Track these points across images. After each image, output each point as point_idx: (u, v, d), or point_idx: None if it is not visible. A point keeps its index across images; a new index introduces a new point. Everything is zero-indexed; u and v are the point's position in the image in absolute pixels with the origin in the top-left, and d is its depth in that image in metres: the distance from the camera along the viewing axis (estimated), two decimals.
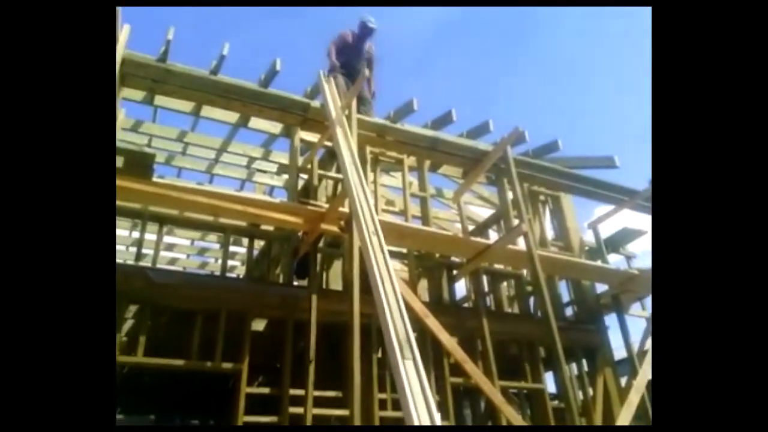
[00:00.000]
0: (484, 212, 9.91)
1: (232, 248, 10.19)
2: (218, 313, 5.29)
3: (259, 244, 9.23)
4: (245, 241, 7.66)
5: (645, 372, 6.11)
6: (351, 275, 4.92)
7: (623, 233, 7.81)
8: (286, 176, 9.03)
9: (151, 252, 6.84)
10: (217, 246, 11.82)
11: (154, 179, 5.00)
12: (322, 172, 6.90)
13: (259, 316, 5.62)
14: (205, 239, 11.86)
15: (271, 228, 6.71)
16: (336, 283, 6.41)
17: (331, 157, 7.12)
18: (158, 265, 6.73)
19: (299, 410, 4.97)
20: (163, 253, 11.50)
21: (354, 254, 4.98)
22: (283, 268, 7.13)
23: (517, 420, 4.98)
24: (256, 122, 8.24)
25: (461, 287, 8.39)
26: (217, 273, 8.51)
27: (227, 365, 5.08)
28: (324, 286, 6.37)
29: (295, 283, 6.31)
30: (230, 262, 10.90)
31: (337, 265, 6.57)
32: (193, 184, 7.81)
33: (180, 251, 12.40)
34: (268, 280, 7.14)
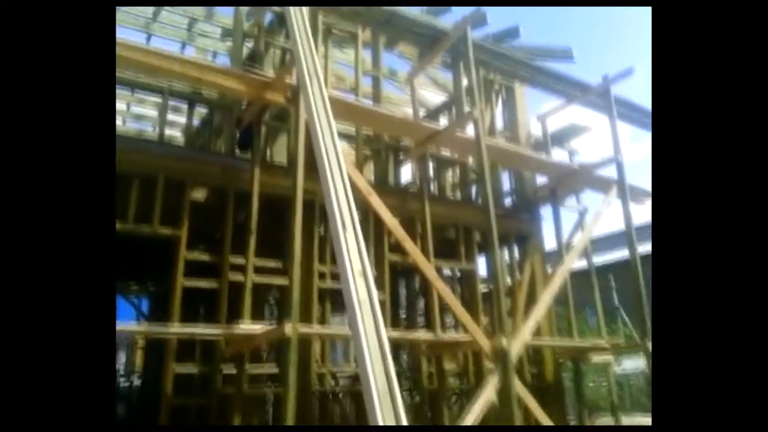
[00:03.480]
0: (437, 100, 9.75)
1: (171, 117, 9.69)
2: (156, 178, 5.11)
3: (200, 113, 8.81)
4: (186, 110, 7.26)
5: (569, 260, 6.53)
6: (296, 150, 4.80)
7: (569, 129, 7.95)
8: (230, 42, 8.42)
9: None
10: (154, 113, 11.19)
11: None
12: (269, 39, 6.46)
13: (199, 184, 5.47)
14: (143, 105, 11.19)
15: (213, 94, 6.36)
16: (280, 157, 6.27)
17: (281, 23, 6.63)
18: None
19: (239, 277, 5.06)
20: None
21: (300, 128, 4.83)
22: (225, 139, 6.88)
23: (448, 295, 5.27)
24: None
25: (407, 174, 8.45)
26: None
27: (165, 230, 5.01)
28: (268, 160, 6.22)
29: (238, 154, 6.14)
30: (170, 132, 10.40)
31: (282, 139, 6.38)
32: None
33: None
34: (210, 149, 6.90)
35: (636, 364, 13.32)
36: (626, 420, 9.27)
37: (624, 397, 13.35)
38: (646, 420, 9.78)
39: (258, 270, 5.19)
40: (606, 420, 10.75)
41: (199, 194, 5.59)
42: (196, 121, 8.46)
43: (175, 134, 10.96)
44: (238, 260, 5.11)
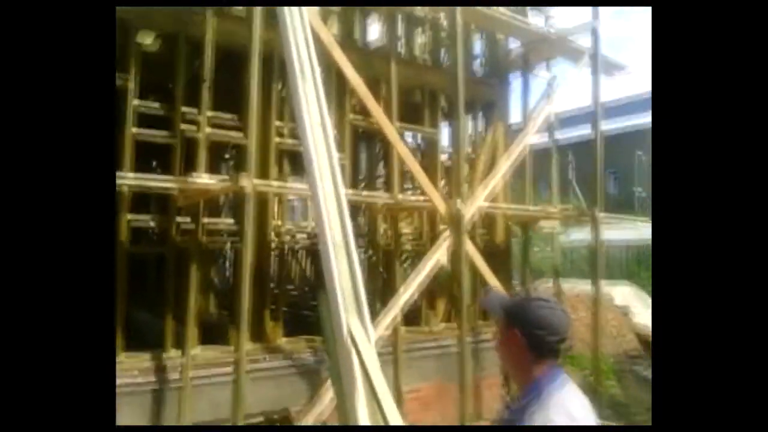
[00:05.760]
0: None
1: None
2: None
3: None
4: None
5: (531, 128, 6.52)
6: None
7: None
8: None
9: None
10: None
11: None
12: None
13: (147, 27, 5.00)
14: None
15: None
16: None
17: None
18: None
19: (193, 128, 4.85)
20: None
21: None
22: None
23: (409, 157, 5.25)
24: None
25: (375, 34, 7.92)
26: None
27: None
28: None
29: None
30: None
31: None
32: None
33: None
34: None
35: (583, 235, 14.10)
36: (565, 284, 10.00)
37: (566, 264, 14.33)
38: (582, 285, 10.57)
39: (214, 125, 4.97)
40: (547, 284, 11.60)
41: (147, 39, 5.14)
42: None
43: None
44: (191, 111, 4.87)
